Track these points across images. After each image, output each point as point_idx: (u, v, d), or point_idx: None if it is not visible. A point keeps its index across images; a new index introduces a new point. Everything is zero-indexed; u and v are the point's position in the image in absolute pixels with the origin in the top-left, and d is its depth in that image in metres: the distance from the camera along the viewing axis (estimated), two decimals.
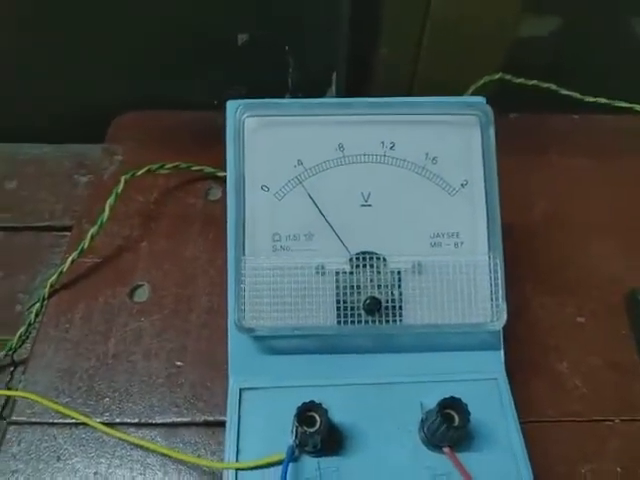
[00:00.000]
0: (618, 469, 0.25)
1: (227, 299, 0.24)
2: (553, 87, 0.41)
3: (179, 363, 0.28)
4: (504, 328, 0.24)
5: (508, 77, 0.40)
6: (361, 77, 0.44)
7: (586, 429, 0.26)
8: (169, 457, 0.24)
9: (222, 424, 0.24)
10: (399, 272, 0.24)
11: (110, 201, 0.32)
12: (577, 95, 0.41)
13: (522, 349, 0.28)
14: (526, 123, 0.41)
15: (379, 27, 0.41)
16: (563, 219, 0.34)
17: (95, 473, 0.24)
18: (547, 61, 0.46)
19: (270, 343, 0.24)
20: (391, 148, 0.25)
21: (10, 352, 0.30)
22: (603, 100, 0.41)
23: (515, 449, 0.22)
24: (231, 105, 0.25)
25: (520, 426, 0.23)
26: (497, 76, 0.40)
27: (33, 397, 0.26)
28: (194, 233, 0.33)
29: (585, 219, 0.34)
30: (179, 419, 0.26)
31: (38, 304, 0.30)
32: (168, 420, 0.26)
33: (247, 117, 0.25)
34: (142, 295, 0.31)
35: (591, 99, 0.41)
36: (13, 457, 0.25)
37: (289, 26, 0.39)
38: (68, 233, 0.35)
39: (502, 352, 0.25)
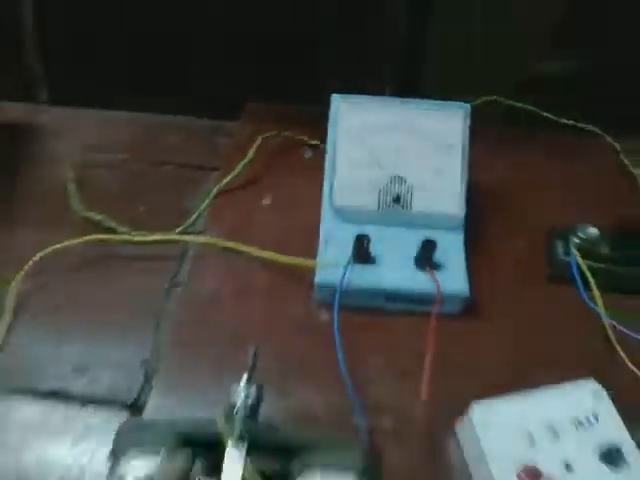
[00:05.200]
0: None
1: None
2: (532, 108, 0.62)
3: None
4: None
5: (501, 99, 0.62)
6: None
7: None
8: None
9: None
10: (412, 186, 0.46)
11: (251, 151, 0.55)
12: (551, 116, 0.61)
13: None
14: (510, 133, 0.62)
15: None
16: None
17: None
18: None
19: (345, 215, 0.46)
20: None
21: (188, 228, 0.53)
22: (571, 122, 0.62)
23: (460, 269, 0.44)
24: (335, 98, 0.48)
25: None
26: (493, 98, 0.61)
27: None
28: (296, 175, 0.56)
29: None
30: None
31: (206, 201, 0.53)
32: None
33: (344, 106, 0.47)
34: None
35: (566, 121, 0.61)
36: None
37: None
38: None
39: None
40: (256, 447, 0.28)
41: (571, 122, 0.62)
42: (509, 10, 0.59)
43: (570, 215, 0.51)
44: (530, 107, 0.63)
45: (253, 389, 0.30)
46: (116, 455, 0.31)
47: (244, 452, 0.27)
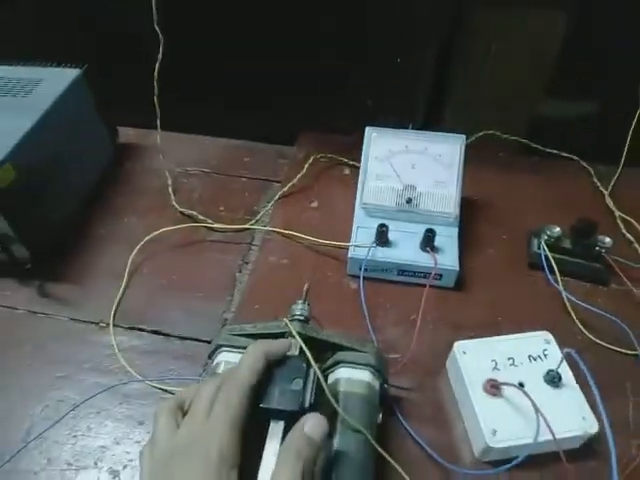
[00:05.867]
0: None
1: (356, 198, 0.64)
2: (524, 140, 0.79)
3: None
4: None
5: (497, 133, 0.78)
6: None
7: None
8: None
9: None
10: (420, 192, 0.63)
11: (305, 168, 0.74)
12: (540, 147, 0.78)
13: None
14: (503, 158, 0.79)
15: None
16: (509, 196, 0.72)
17: None
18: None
19: (371, 212, 0.63)
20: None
21: (256, 222, 0.71)
22: (555, 151, 0.78)
23: (453, 252, 0.60)
24: (368, 129, 0.66)
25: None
26: (490, 131, 0.78)
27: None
28: (336, 186, 0.74)
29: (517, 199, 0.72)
30: None
31: (271, 203, 0.72)
32: None
33: (374, 135, 0.65)
34: None
35: (551, 150, 0.78)
36: None
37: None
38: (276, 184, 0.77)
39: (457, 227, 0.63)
40: (308, 344, 0.42)
41: (555, 151, 0.78)
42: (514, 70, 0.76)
43: (547, 220, 0.66)
44: (522, 139, 0.79)
45: (306, 307, 0.47)
46: (213, 352, 0.49)
47: (301, 340, 0.43)
